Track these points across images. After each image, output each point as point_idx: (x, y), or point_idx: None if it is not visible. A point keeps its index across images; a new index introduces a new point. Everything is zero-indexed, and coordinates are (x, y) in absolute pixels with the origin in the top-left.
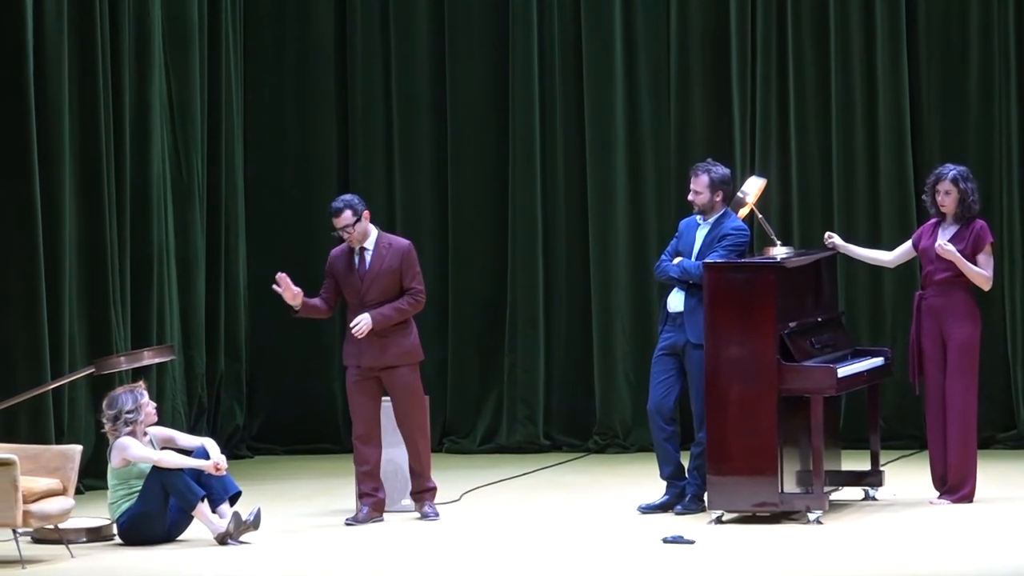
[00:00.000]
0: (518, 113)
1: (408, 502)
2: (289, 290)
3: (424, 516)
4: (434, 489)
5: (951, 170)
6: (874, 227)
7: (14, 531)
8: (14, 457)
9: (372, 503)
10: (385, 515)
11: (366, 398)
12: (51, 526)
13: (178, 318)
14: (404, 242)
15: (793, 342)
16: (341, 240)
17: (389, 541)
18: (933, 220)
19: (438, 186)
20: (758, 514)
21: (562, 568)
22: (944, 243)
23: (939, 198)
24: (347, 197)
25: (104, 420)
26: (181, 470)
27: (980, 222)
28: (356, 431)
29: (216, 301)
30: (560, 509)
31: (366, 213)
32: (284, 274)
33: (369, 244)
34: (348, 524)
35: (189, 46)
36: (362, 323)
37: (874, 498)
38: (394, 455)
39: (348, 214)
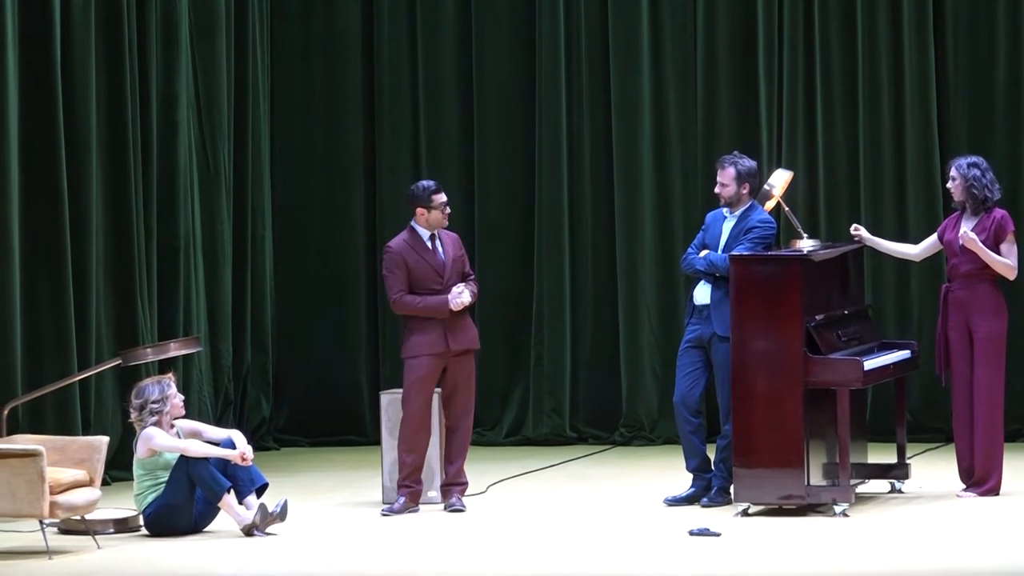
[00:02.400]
0: (545, 105)
1: (434, 494)
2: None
3: (451, 508)
4: (466, 484)
5: (957, 158)
6: (901, 220)
7: (41, 522)
8: (41, 448)
9: (410, 493)
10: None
11: (433, 388)
12: (78, 517)
13: (204, 310)
14: (453, 232)
15: (819, 335)
16: (403, 227)
17: (415, 533)
18: (956, 213)
19: (464, 177)
20: (784, 507)
21: (588, 560)
22: (967, 231)
23: (947, 185)
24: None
25: (131, 409)
26: (207, 461)
27: (1000, 211)
28: (416, 423)
29: (243, 293)
30: (586, 501)
31: None
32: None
33: (436, 232)
34: (384, 514)
35: (216, 37)
36: (467, 291)
37: (900, 491)
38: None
39: (445, 194)
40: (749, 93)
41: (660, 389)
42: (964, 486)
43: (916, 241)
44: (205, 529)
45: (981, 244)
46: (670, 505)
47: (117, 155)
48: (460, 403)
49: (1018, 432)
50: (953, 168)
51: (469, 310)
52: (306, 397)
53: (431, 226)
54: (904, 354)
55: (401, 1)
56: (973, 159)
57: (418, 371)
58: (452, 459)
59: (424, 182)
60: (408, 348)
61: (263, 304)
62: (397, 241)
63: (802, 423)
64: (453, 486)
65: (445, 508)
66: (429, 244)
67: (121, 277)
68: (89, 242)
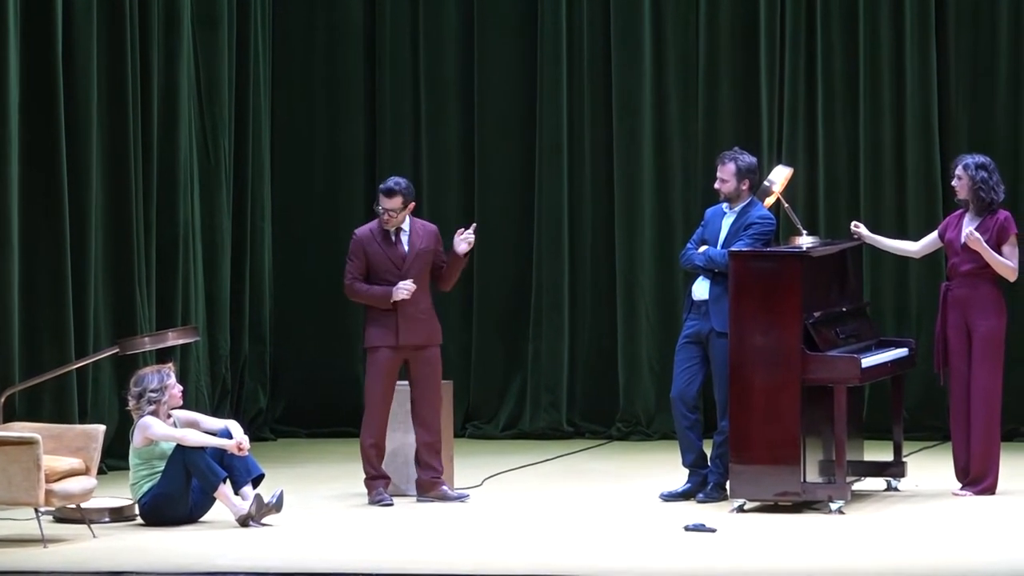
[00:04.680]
0: (546, 101)
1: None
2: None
3: (459, 499)
4: (442, 470)
5: (965, 157)
6: (900, 217)
7: (36, 510)
8: (37, 436)
9: (385, 483)
10: (401, 500)
11: (393, 381)
12: (73, 506)
13: (203, 300)
14: (432, 225)
15: (817, 331)
16: (373, 216)
17: (410, 525)
18: (959, 211)
19: (465, 172)
20: (780, 503)
21: (583, 555)
22: (972, 232)
23: (953, 183)
24: (403, 183)
25: (129, 397)
26: (204, 451)
27: (1004, 213)
28: (383, 415)
29: (241, 284)
30: (582, 496)
31: (412, 204)
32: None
33: (405, 226)
34: (388, 505)
35: (218, 28)
36: (409, 284)
37: (896, 489)
38: (413, 440)
39: (399, 200)
40: (750, 89)
41: (657, 384)
42: (960, 485)
43: (915, 238)
44: (201, 519)
45: (986, 246)
46: (666, 500)
47: (117, 145)
48: (424, 398)
49: (1015, 431)
50: (960, 167)
51: (463, 305)
52: (303, 388)
53: (383, 223)
54: (902, 352)
55: None
56: (981, 159)
57: (377, 362)
58: (437, 456)
59: (384, 183)
60: (366, 339)
61: (261, 295)
62: (363, 229)
63: (799, 420)
64: (440, 479)
65: (447, 500)
66: (393, 236)
67: (120, 266)
68: (88, 231)
